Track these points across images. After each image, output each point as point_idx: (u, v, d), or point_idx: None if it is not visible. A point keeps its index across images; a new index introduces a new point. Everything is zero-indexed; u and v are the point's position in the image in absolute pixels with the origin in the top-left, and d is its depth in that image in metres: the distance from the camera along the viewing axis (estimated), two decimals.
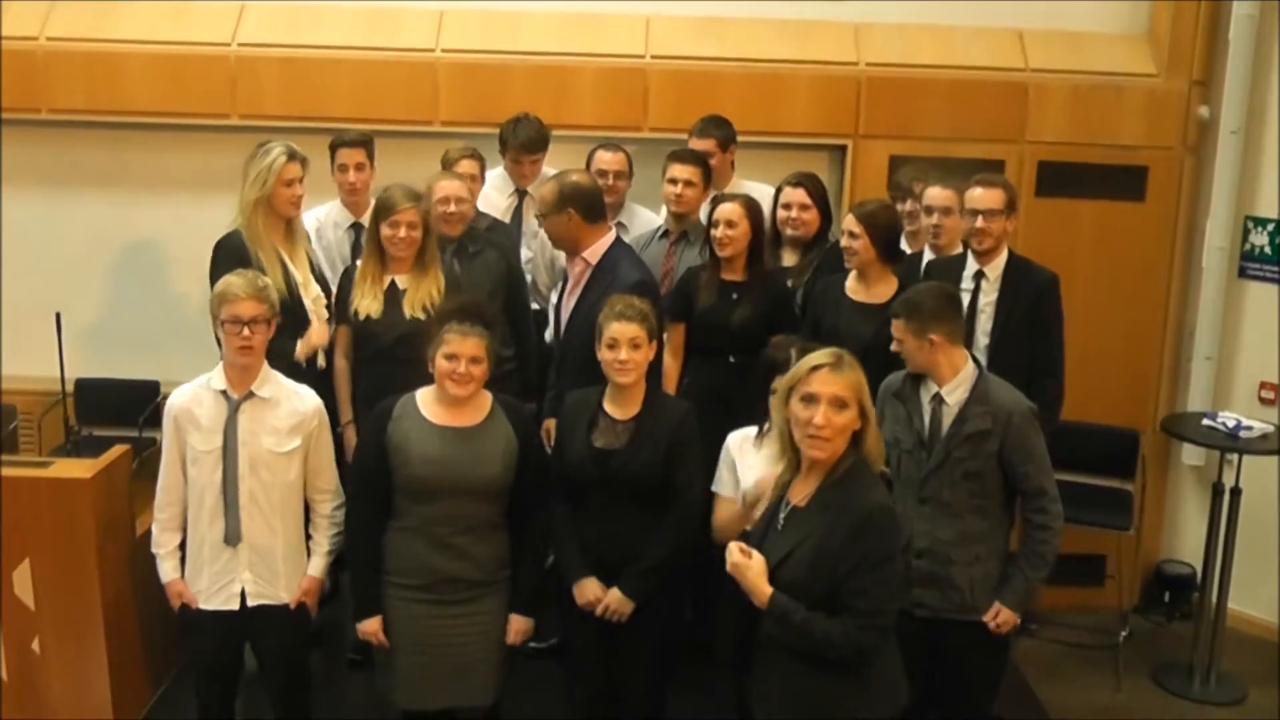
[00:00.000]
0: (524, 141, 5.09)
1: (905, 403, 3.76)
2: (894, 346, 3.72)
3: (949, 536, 3.69)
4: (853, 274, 4.42)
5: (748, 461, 3.82)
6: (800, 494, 3.09)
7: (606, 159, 5.09)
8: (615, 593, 3.72)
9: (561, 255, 4.64)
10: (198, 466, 3.71)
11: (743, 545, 3.08)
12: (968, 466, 3.65)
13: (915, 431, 3.71)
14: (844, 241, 4.38)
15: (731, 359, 4.44)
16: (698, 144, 5.02)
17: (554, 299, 4.69)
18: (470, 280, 4.62)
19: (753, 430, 3.86)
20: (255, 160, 4.41)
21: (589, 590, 3.74)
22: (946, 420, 3.69)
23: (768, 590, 3.01)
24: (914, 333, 3.70)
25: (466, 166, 4.99)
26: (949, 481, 3.67)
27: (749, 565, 3.03)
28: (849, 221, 4.38)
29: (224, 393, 3.71)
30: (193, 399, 3.72)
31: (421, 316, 4.29)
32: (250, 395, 3.72)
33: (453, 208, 4.64)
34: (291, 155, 4.42)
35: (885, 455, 3.63)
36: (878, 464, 3.06)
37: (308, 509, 3.88)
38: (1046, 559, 3.74)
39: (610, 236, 4.42)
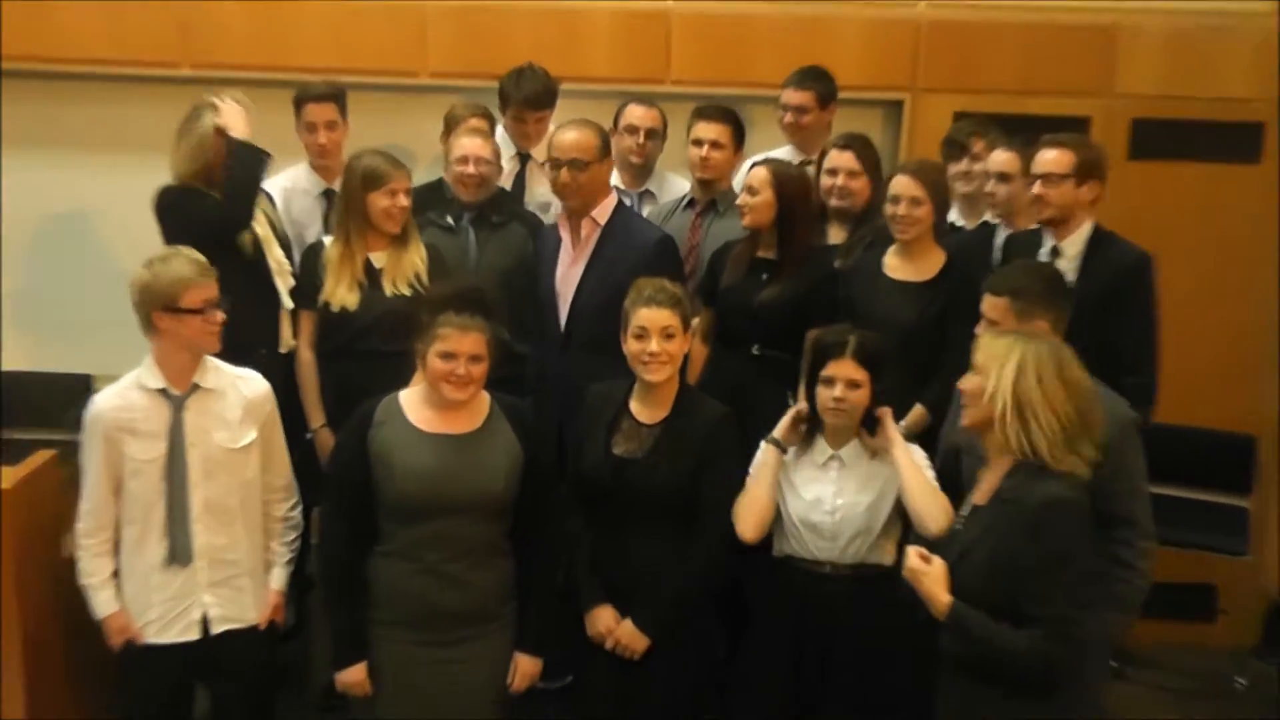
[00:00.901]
0: (529, 96, 5.00)
1: None
2: (981, 329, 3.63)
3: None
4: (893, 248, 4.40)
5: (790, 477, 3.75)
6: (983, 493, 3.20)
7: (639, 114, 5.06)
8: (628, 625, 3.71)
9: None
10: (140, 479, 3.65)
11: (921, 550, 3.20)
12: None
13: None
14: (901, 210, 4.30)
15: (755, 350, 4.40)
16: (793, 96, 5.03)
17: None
18: (488, 256, 4.63)
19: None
20: (188, 126, 4.40)
21: (601, 620, 3.75)
22: None
23: (945, 599, 3.11)
24: (1019, 315, 3.60)
25: (475, 126, 4.93)
26: None
27: (926, 571, 3.15)
28: (906, 185, 4.30)
29: (163, 390, 3.65)
30: (122, 403, 3.66)
31: (406, 293, 4.30)
32: (195, 389, 3.68)
33: (472, 169, 4.64)
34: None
35: (956, 464, 3.72)
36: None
37: None
38: (1129, 603, 3.63)
39: (614, 198, 4.50)
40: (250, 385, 3.75)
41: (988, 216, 4.72)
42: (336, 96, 4.94)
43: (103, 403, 3.67)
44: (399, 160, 4.41)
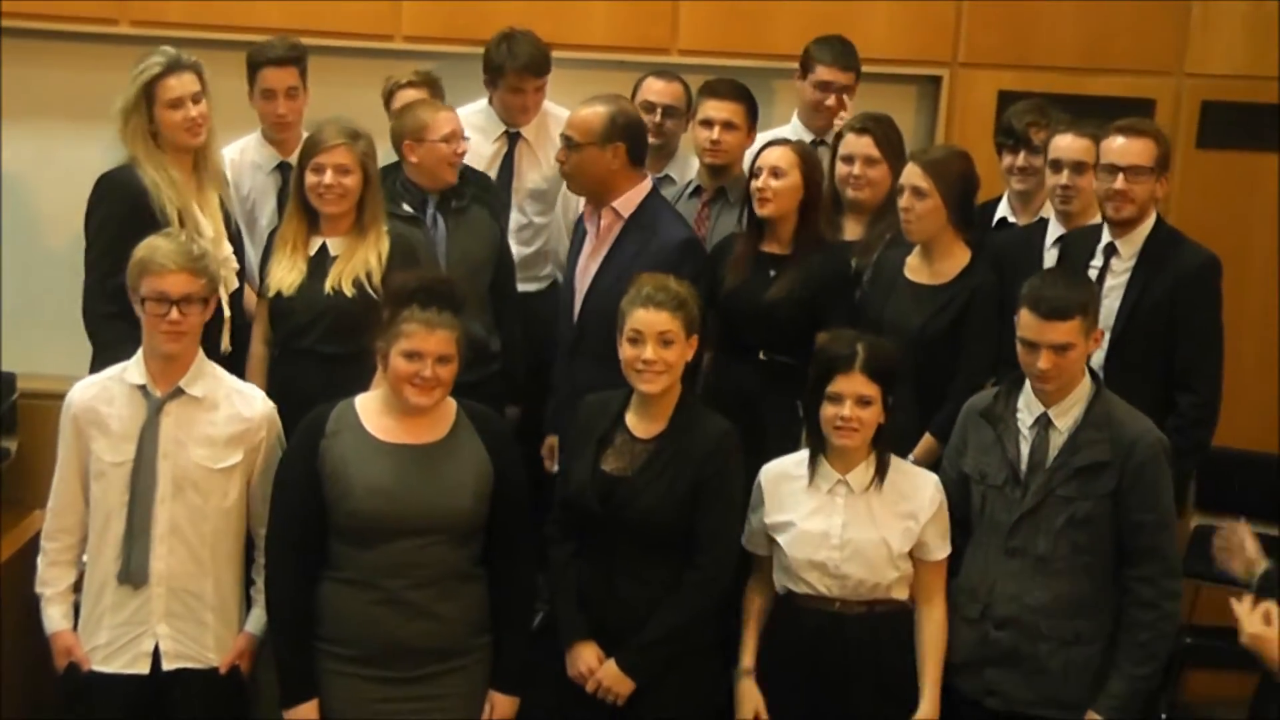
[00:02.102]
0: (526, 62, 5.06)
1: (996, 425, 3.80)
2: (1045, 364, 3.66)
3: (1041, 603, 3.70)
4: (917, 247, 4.45)
5: (788, 508, 3.81)
6: None
7: (658, 89, 5.13)
8: (610, 666, 3.75)
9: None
10: (103, 483, 3.72)
11: (1269, 609, 3.24)
12: (1075, 510, 3.67)
13: (1007, 462, 3.75)
14: (903, 201, 4.37)
15: (763, 356, 4.47)
16: (840, 76, 5.06)
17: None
18: (460, 245, 4.68)
19: (794, 461, 3.89)
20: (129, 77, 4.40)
21: (583, 658, 3.79)
22: (1052, 449, 3.71)
23: None
24: (1086, 333, 3.70)
25: (413, 99, 4.95)
26: (1047, 529, 3.69)
27: (1268, 638, 3.22)
28: (911, 174, 4.36)
29: (142, 388, 3.73)
30: (100, 395, 3.75)
31: (349, 292, 4.31)
32: (178, 393, 3.73)
33: (463, 146, 4.73)
34: (172, 65, 4.35)
35: (964, 493, 3.81)
36: None
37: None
38: (1154, 652, 3.73)
39: (646, 186, 4.53)
40: (250, 404, 3.81)
41: (1044, 213, 4.71)
42: (298, 59, 4.96)
43: (79, 391, 3.77)
44: (354, 130, 4.39)
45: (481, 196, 4.84)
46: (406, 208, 4.68)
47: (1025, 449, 3.73)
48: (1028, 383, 3.75)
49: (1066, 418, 3.71)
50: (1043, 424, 3.72)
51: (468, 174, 4.92)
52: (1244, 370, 4.68)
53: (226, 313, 4.40)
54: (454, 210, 4.71)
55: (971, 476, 3.80)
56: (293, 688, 3.64)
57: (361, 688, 3.60)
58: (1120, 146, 4.23)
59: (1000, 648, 3.72)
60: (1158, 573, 3.67)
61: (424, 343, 3.53)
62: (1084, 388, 3.73)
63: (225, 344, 4.39)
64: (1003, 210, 4.86)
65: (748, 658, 3.86)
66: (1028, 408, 3.76)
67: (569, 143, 4.39)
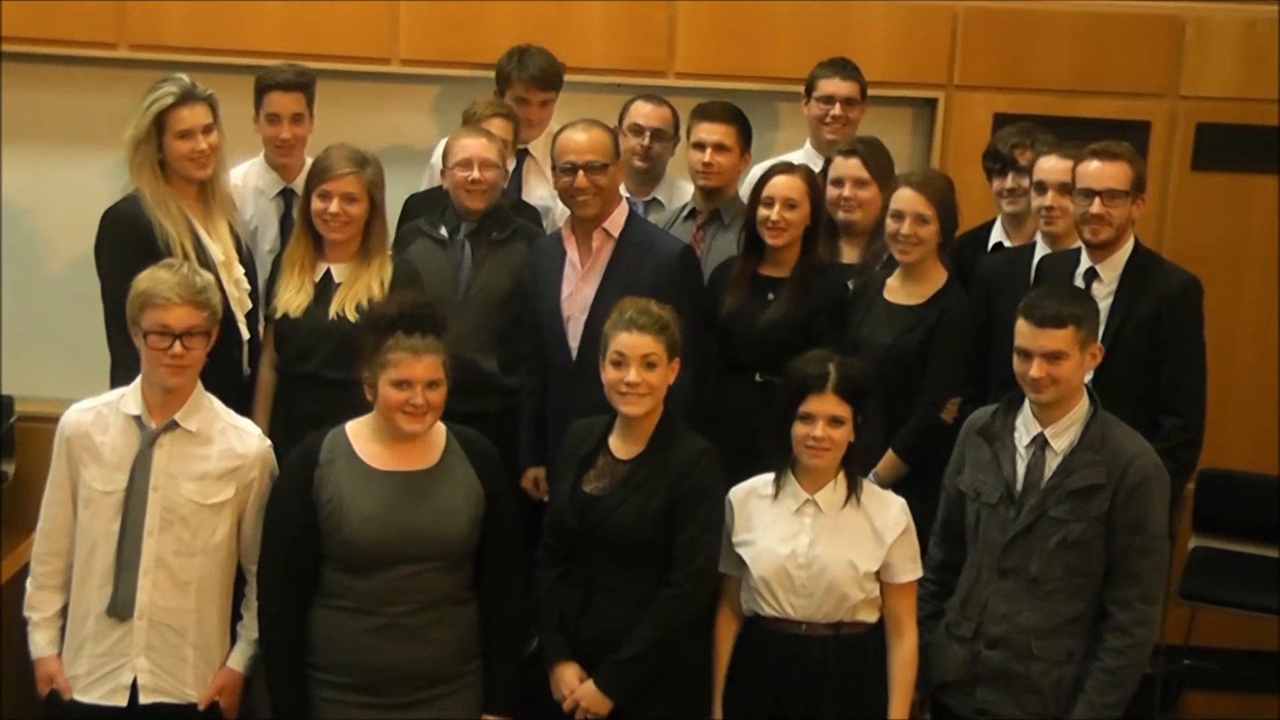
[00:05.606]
0: (535, 74, 5.08)
1: (993, 443, 3.79)
2: (1038, 371, 3.65)
3: (1034, 623, 3.70)
4: (898, 269, 4.48)
5: (755, 526, 3.80)
6: None
7: (646, 112, 5.13)
8: (588, 686, 3.75)
9: None
10: (91, 510, 3.68)
11: None
12: (1069, 532, 3.66)
13: (1003, 481, 3.74)
14: (905, 228, 4.35)
15: (759, 378, 4.47)
16: (842, 87, 5.06)
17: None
18: (484, 276, 4.67)
19: (763, 480, 3.87)
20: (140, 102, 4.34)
21: (564, 679, 3.79)
22: (1048, 470, 3.70)
23: None
24: (1082, 345, 3.67)
25: (496, 128, 4.92)
26: (1040, 550, 3.68)
27: None
28: (911, 200, 4.35)
29: (137, 419, 3.69)
30: (94, 421, 3.71)
31: (352, 318, 4.29)
32: (173, 426, 3.69)
33: (476, 173, 4.63)
34: (185, 96, 4.31)
35: (961, 510, 3.79)
36: None
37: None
38: (1121, 680, 3.68)
39: (625, 206, 4.59)
40: (245, 441, 3.76)
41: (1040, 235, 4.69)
42: (305, 86, 4.94)
43: (74, 414, 3.72)
44: (362, 157, 4.38)
45: (528, 229, 4.79)
46: (443, 230, 4.67)
47: (1021, 468, 3.73)
48: (1027, 402, 3.74)
49: (1062, 439, 3.71)
50: (1039, 444, 3.72)
51: (522, 208, 4.95)
52: (1240, 392, 4.66)
53: (245, 335, 4.41)
54: (492, 241, 4.67)
55: (967, 494, 3.80)
56: (286, 716, 3.63)
57: (355, 714, 3.59)
58: (1095, 170, 4.24)
59: (991, 667, 3.71)
60: (1134, 597, 3.65)
61: (411, 370, 3.54)
62: (1081, 408, 3.72)
63: (246, 366, 4.42)
64: (997, 235, 4.86)
65: (717, 709, 3.82)
66: (1025, 426, 3.76)
67: (596, 167, 4.36)
